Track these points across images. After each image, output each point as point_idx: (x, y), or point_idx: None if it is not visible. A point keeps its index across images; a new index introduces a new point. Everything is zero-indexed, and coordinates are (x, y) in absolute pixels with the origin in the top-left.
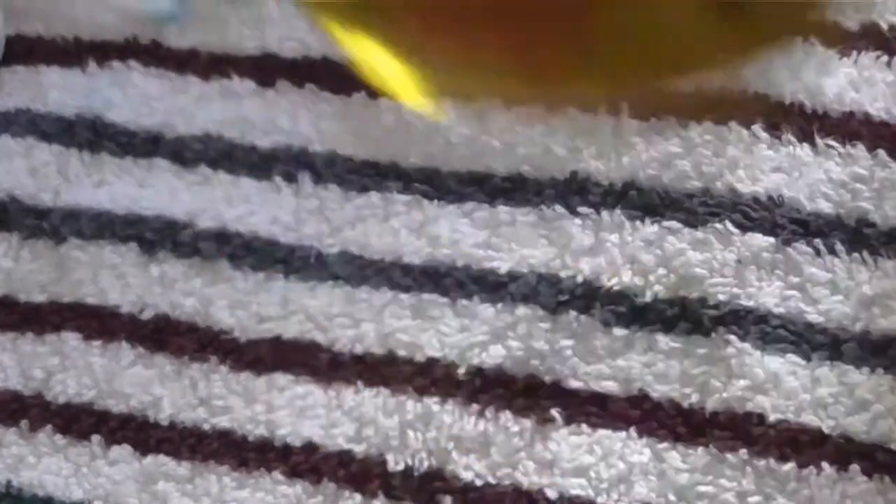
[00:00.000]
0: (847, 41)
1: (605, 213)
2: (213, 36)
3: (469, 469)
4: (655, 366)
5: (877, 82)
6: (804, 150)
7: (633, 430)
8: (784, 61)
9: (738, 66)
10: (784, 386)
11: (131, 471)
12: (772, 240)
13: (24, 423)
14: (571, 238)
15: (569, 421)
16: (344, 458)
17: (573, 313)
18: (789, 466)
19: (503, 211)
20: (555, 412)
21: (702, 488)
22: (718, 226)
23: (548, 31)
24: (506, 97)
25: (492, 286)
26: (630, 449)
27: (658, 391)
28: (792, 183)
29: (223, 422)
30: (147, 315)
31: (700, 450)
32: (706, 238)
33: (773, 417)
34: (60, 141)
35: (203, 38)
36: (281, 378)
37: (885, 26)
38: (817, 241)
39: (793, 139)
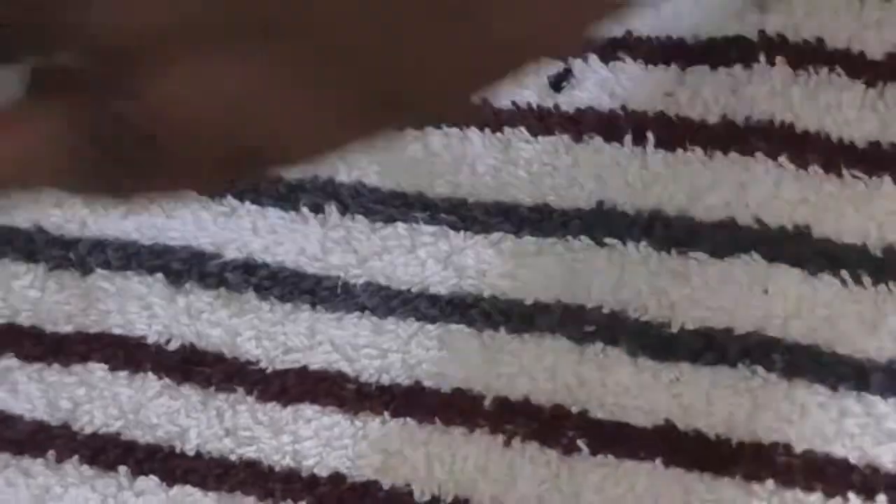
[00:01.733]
0: (871, 72)
1: (630, 245)
2: None
3: (496, 500)
4: (682, 397)
5: None
6: (831, 182)
7: (658, 462)
8: (806, 91)
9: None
10: (811, 416)
11: (158, 501)
12: (798, 271)
13: (50, 453)
14: (598, 269)
15: (595, 451)
16: (370, 488)
17: (599, 344)
18: (816, 497)
19: (529, 241)
20: (581, 443)
21: None
22: (745, 257)
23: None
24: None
25: (518, 317)
26: (657, 480)
27: (684, 422)
28: (818, 214)
29: (249, 452)
30: (174, 345)
31: (726, 480)
32: (732, 270)
33: (799, 448)
34: None
35: None
36: (307, 409)
37: None
38: (844, 273)
39: (819, 170)
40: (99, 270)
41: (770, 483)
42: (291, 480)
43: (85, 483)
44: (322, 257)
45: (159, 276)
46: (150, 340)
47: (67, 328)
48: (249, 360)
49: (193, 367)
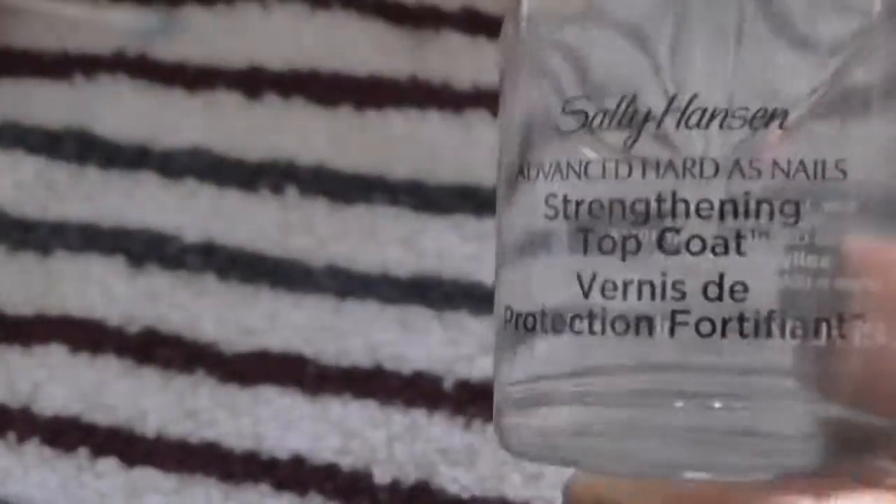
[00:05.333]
0: None
1: None
2: (201, 48)
3: (456, 482)
4: None
5: None
6: None
7: None
8: None
9: None
10: None
11: (118, 483)
12: None
13: (11, 435)
14: None
15: None
16: (331, 470)
17: None
18: None
19: (491, 223)
20: None
21: None
22: None
23: None
24: None
25: (479, 299)
26: None
27: None
28: None
29: (209, 434)
30: (134, 328)
31: None
32: None
33: None
34: (47, 154)
35: (190, 50)
36: (267, 390)
37: None
38: None
39: None
40: (59, 253)
41: None
42: (251, 462)
43: (45, 464)
44: (282, 239)
45: (119, 258)
46: (111, 323)
47: (28, 310)
48: (209, 342)
49: (153, 349)
